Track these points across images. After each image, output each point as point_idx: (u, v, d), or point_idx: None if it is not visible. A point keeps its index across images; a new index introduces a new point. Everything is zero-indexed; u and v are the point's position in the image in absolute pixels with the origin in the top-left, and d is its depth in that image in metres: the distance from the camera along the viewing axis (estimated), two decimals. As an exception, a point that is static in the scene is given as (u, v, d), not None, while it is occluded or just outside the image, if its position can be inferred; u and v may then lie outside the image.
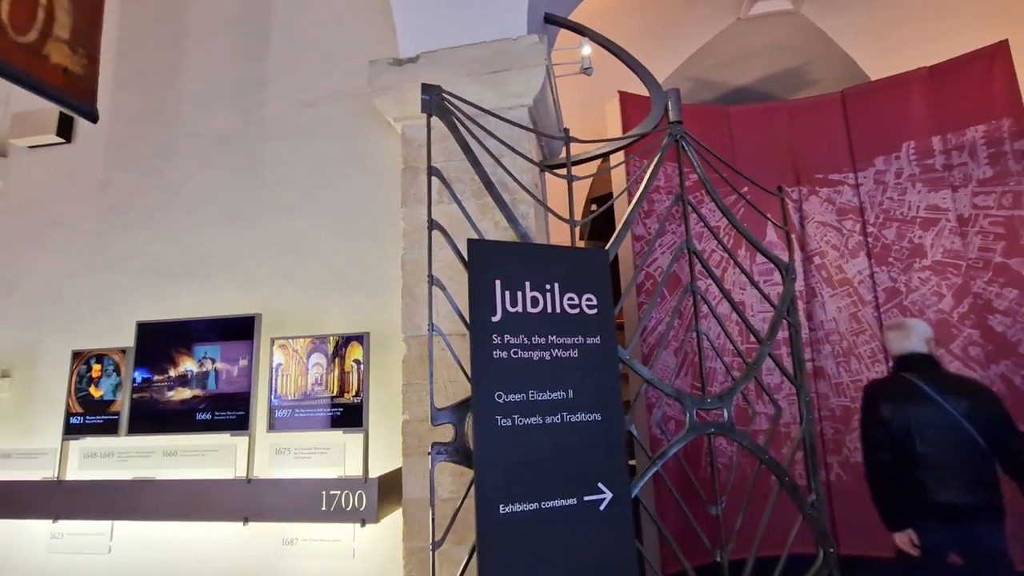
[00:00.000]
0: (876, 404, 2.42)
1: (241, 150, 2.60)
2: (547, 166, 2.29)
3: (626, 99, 3.94)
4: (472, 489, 1.48)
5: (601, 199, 6.00)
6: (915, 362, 2.45)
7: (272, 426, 2.18)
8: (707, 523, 1.90)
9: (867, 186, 3.79)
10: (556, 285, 1.74)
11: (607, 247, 1.96)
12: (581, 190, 5.83)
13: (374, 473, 2.08)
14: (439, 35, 2.27)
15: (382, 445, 2.23)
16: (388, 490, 2.12)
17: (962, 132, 3.54)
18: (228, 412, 2.21)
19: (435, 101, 1.91)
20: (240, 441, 2.22)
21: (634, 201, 2.07)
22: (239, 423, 2.21)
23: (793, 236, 3.87)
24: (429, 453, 1.56)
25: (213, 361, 2.28)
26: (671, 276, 3.49)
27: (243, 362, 2.24)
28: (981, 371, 3.29)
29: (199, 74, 2.79)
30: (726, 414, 1.95)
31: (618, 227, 2.03)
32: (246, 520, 2.10)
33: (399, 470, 2.08)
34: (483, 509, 1.46)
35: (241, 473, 2.18)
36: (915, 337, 2.49)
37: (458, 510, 1.62)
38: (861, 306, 3.68)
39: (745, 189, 3.96)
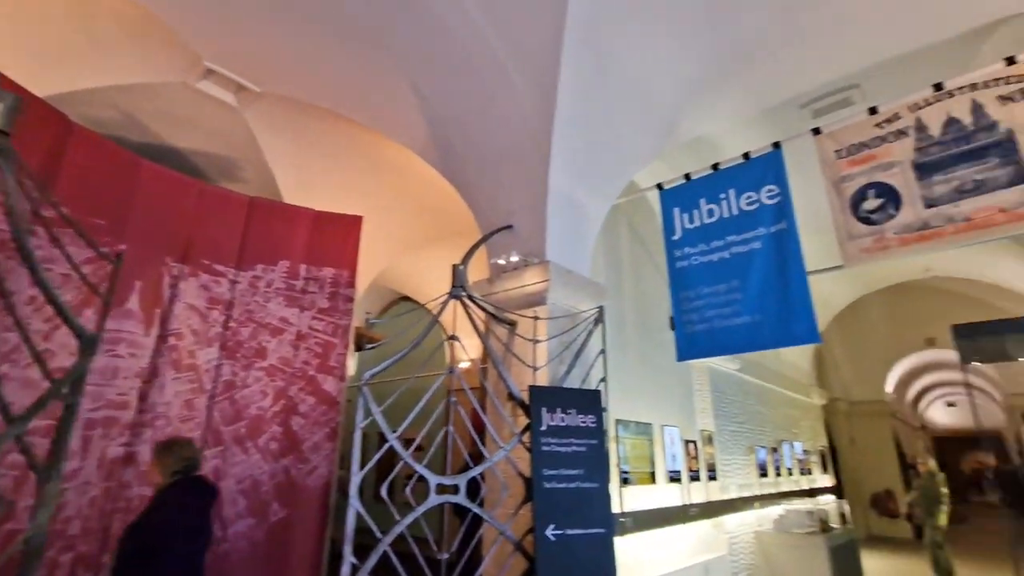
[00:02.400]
0: None
1: None
2: None
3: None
4: None
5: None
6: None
7: None
8: None
9: (243, 285, 4.18)
10: None
11: None
12: None
13: None
14: None
15: None
16: None
17: (320, 268, 4.52)
18: None
19: None
20: None
21: None
22: None
23: (157, 311, 3.74)
24: None
25: None
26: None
27: None
28: (273, 462, 3.92)
29: None
30: None
31: None
32: None
33: None
34: None
35: None
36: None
37: None
38: (199, 394, 3.81)
39: (124, 246, 3.64)
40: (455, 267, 3.26)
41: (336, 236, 4.66)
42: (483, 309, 3.47)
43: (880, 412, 13.05)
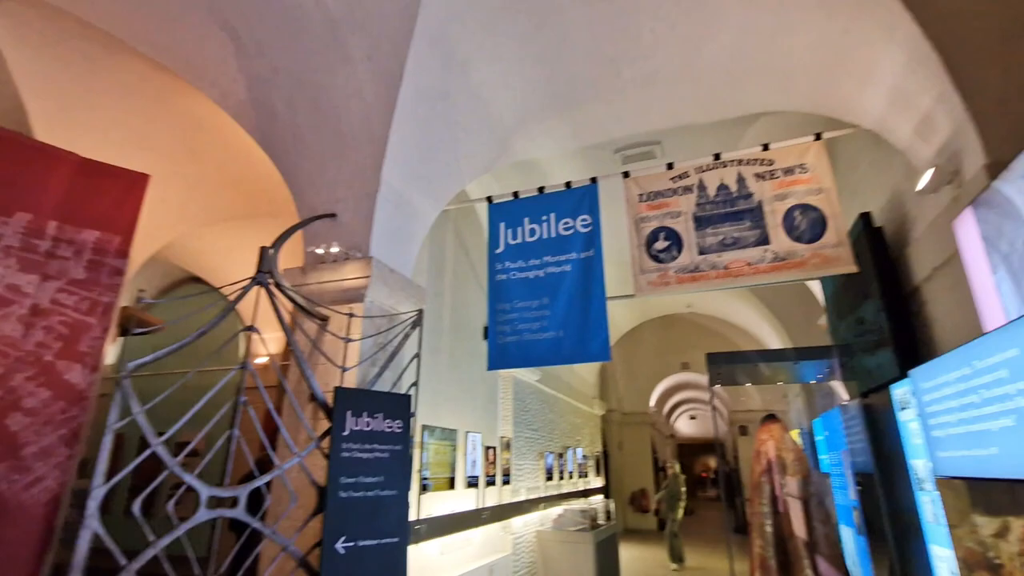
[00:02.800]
0: None
1: None
2: None
3: None
4: None
5: None
6: None
7: None
8: None
9: (-50, 237, 3.15)
10: None
11: None
12: None
13: None
14: None
15: None
16: None
17: (80, 230, 3.64)
18: None
19: None
20: None
21: None
22: None
23: None
24: None
25: None
26: None
27: None
28: (-30, 474, 2.99)
29: None
30: None
31: None
32: None
33: None
34: None
35: None
36: None
37: None
38: None
39: None
40: (264, 250, 2.91)
41: (109, 193, 3.80)
42: (292, 300, 3.15)
43: (643, 422, 15.30)
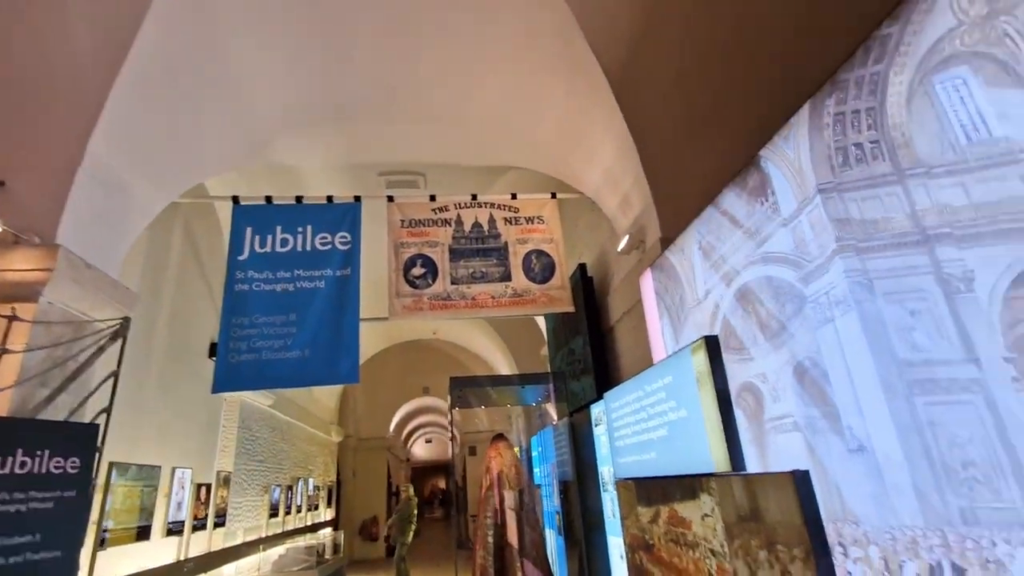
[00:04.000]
0: None
1: None
2: None
3: None
4: None
5: None
6: None
7: None
8: None
9: None
10: None
11: None
12: None
13: None
14: None
15: None
16: None
17: None
18: None
19: None
20: None
21: None
22: None
23: None
24: None
25: None
26: None
27: None
28: None
29: None
30: None
31: None
32: None
33: None
34: None
35: None
36: None
37: None
38: None
39: None
40: None
41: None
42: (-95, 292, 2.23)
43: (380, 447, 15.13)
